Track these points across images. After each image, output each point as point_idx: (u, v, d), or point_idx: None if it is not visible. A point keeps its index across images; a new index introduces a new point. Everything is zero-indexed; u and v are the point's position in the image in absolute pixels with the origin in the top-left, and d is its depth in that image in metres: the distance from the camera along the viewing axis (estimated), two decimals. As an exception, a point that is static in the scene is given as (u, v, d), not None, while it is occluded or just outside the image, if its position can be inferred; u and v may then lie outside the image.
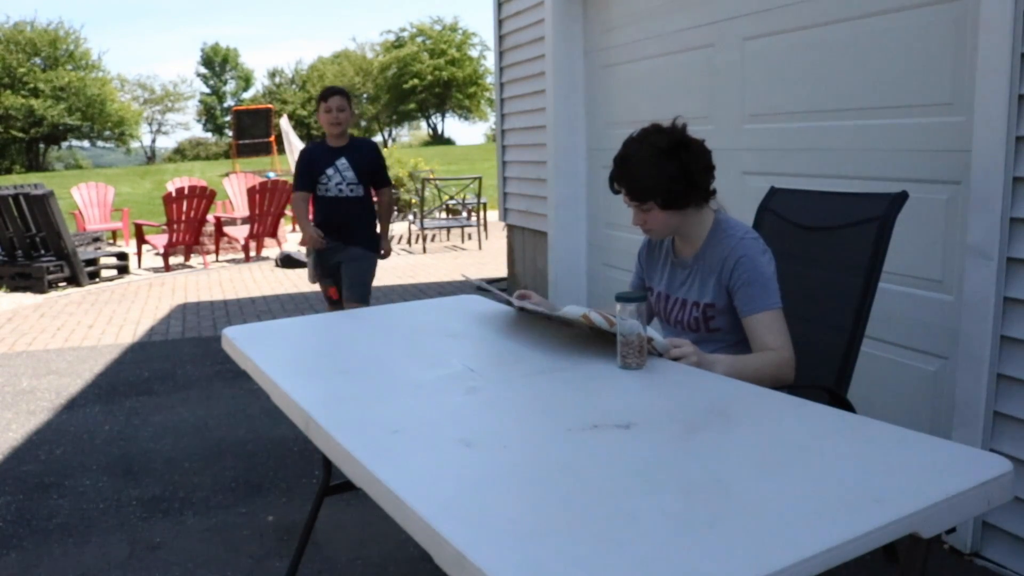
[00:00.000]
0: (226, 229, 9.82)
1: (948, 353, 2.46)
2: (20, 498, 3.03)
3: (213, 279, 8.16)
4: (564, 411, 1.45)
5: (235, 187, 11.25)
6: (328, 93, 3.89)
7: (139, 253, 9.36)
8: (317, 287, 4.29)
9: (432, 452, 1.28)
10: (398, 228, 12.35)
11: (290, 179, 5.93)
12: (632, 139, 1.93)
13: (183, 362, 4.90)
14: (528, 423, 1.43)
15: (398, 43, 53.67)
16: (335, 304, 4.08)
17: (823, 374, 1.97)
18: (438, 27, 53.35)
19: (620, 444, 1.27)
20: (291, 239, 10.69)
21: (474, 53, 53.66)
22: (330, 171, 3.87)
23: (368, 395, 1.59)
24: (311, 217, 4.07)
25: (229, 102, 56.90)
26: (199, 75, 59.39)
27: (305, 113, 53.67)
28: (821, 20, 2.91)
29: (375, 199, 4.13)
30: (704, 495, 1.08)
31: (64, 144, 47.14)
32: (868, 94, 2.73)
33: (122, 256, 8.58)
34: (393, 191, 4.17)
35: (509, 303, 2.17)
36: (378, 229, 4.15)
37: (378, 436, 1.34)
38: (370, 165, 3.98)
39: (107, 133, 47.22)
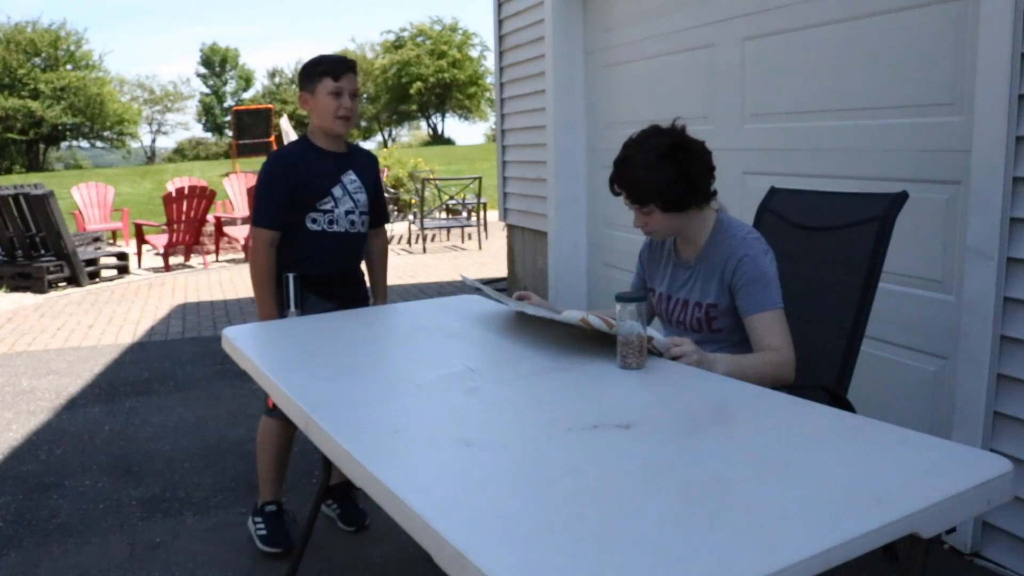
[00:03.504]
0: (226, 229, 9.82)
1: (948, 353, 2.46)
2: (20, 498, 3.03)
3: (213, 279, 8.15)
4: (564, 411, 1.45)
5: (235, 187, 11.25)
6: (339, 67, 2.43)
7: (139, 253, 9.36)
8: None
9: (432, 452, 1.28)
10: (398, 228, 12.36)
11: None
12: (632, 141, 1.93)
13: (183, 362, 4.90)
14: (528, 423, 1.43)
15: (398, 43, 53.67)
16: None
17: (823, 374, 1.97)
18: (438, 27, 53.37)
19: (620, 444, 1.27)
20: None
21: (474, 53, 53.68)
22: (337, 191, 2.48)
23: (368, 395, 1.59)
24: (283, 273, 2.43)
25: (229, 102, 56.93)
26: (199, 75, 59.42)
27: (305, 113, 53.63)
28: (821, 20, 2.91)
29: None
30: (704, 495, 1.08)
31: (64, 144, 47.19)
32: (868, 94, 2.73)
33: (122, 256, 8.58)
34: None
35: (500, 301, 2.17)
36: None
37: (378, 436, 1.34)
38: (376, 188, 2.64)
39: (107, 133, 47.26)
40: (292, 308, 2.39)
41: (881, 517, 1.00)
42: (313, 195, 2.44)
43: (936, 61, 2.47)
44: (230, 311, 6.47)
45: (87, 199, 10.90)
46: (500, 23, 5.66)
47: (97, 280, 8.14)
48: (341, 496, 2.75)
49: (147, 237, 9.24)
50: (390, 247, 10.24)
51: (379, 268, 2.75)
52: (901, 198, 1.96)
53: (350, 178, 2.52)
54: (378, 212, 2.67)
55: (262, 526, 2.58)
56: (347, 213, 2.49)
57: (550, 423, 1.40)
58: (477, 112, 55.08)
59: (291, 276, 2.42)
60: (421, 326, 2.16)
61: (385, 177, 13.49)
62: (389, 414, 1.45)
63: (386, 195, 13.59)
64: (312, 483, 3.08)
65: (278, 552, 2.51)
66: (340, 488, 2.62)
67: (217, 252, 9.76)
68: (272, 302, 2.45)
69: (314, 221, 2.46)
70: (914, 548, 1.11)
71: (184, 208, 8.73)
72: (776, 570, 0.89)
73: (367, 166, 2.61)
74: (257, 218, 2.44)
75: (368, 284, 2.73)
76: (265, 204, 2.44)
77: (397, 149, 19.15)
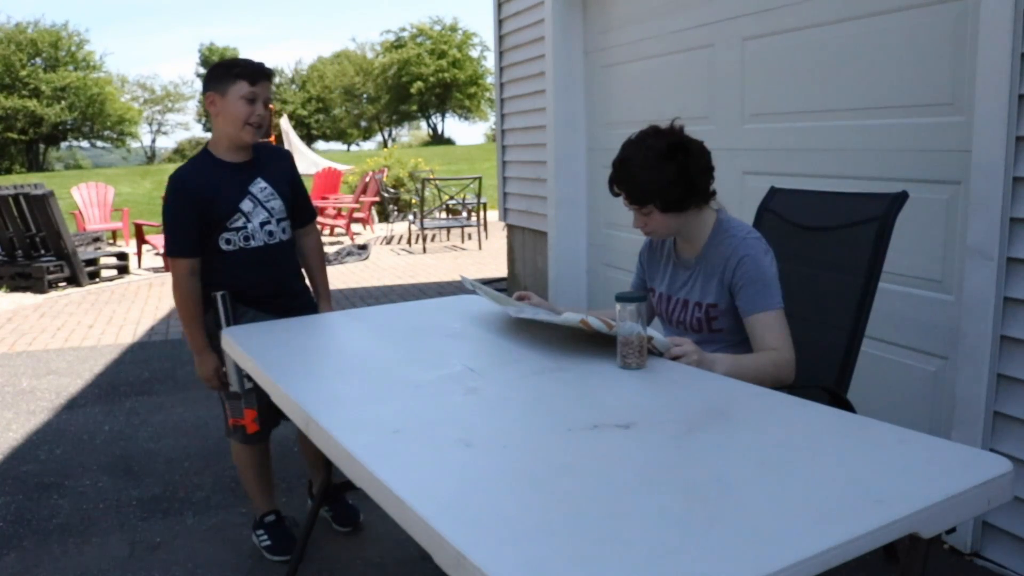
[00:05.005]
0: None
1: (948, 353, 2.46)
2: (20, 498, 3.03)
3: (213, 279, 8.15)
4: (564, 411, 1.45)
5: (235, 187, 11.23)
6: (257, 72, 2.26)
7: (139, 253, 9.36)
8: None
9: (432, 452, 1.28)
10: (398, 228, 12.36)
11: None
12: (630, 142, 1.93)
13: (183, 362, 4.89)
14: (528, 423, 1.43)
15: (398, 43, 53.70)
16: (254, 438, 2.48)
17: (823, 374, 1.97)
18: (438, 27, 53.39)
19: (620, 444, 1.27)
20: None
21: (474, 53, 53.71)
22: (246, 205, 2.32)
23: (368, 395, 1.59)
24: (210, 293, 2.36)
25: (229, 102, 56.77)
26: (199, 75, 59.43)
27: (305, 113, 53.74)
28: (821, 20, 2.91)
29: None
30: (704, 495, 1.08)
31: (64, 144, 47.21)
32: (868, 94, 2.73)
33: (122, 256, 8.58)
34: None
35: (499, 302, 2.15)
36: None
37: (378, 436, 1.34)
38: (292, 186, 2.46)
39: (107, 133, 47.29)
40: (225, 328, 2.29)
41: (881, 517, 1.00)
42: (220, 215, 2.28)
43: (936, 61, 2.47)
44: (230, 311, 6.46)
45: (87, 199, 10.89)
46: (500, 23, 5.66)
47: (97, 280, 8.14)
48: (332, 497, 2.74)
49: (147, 237, 9.24)
50: (390, 247, 10.24)
51: (317, 269, 2.59)
52: (901, 198, 1.96)
53: (259, 186, 2.34)
54: (303, 210, 2.52)
55: (265, 537, 2.56)
56: (263, 225, 2.34)
57: (550, 423, 1.40)
58: (477, 112, 55.11)
59: (219, 295, 2.32)
60: (421, 326, 2.16)
61: (385, 177, 13.48)
62: (389, 414, 1.45)
63: (386, 195, 13.54)
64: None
65: (286, 560, 2.48)
66: (330, 489, 2.58)
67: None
68: (202, 334, 2.34)
69: (228, 242, 2.31)
70: (914, 548, 1.11)
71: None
72: (776, 570, 0.89)
73: (278, 168, 2.42)
74: (172, 248, 2.29)
75: (310, 288, 2.59)
76: (177, 232, 2.28)
77: (397, 149, 19.15)
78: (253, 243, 2.33)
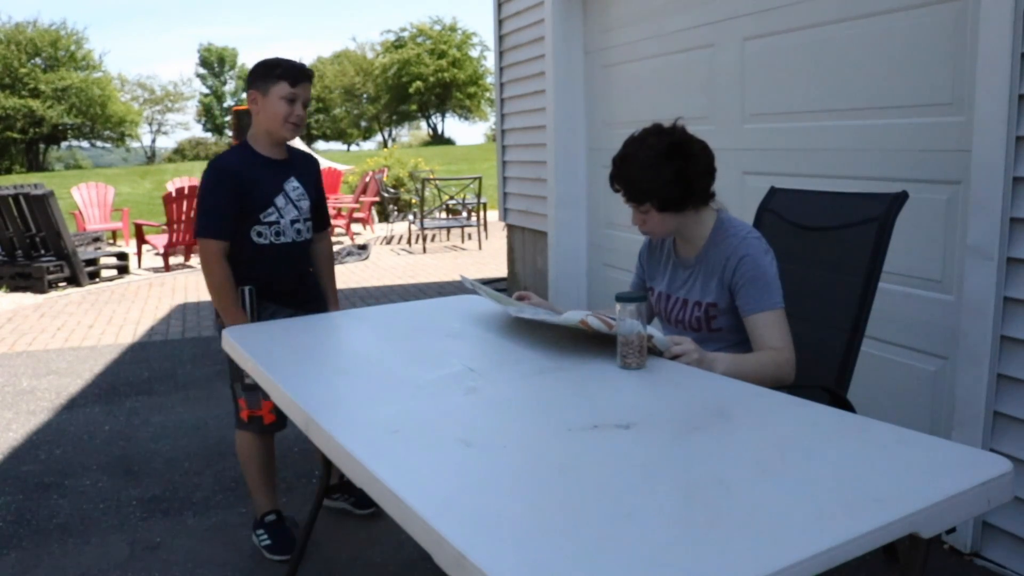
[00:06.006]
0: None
1: (948, 353, 2.46)
2: (20, 498, 3.03)
3: (213, 279, 8.14)
4: (564, 411, 1.45)
5: (235, 187, 11.22)
6: (299, 74, 2.36)
7: (139, 253, 9.36)
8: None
9: (432, 452, 1.28)
10: (398, 228, 12.36)
11: None
12: (632, 139, 1.93)
13: (183, 362, 4.90)
14: (528, 423, 1.43)
15: (398, 43, 53.72)
16: (271, 428, 2.55)
17: (823, 374, 1.97)
18: (438, 27, 53.40)
19: (620, 444, 1.27)
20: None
21: (474, 53, 53.73)
22: (280, 200, 2.42)
23: (368, 395, 1.59)
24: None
25: (229, 102, 57.03)
26: (198, 75, 59.50)
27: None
28: (821, 20, 2.91)
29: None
30: (704, 495, 1.07)
31: (64, 144, 47.22)
32: (868, 94, 2.73)
33: (122, 256, 8.58)
34: None
35: (500, 302, 2.15)
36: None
37: (378, 436, 1.34)
38: (318, 192, 2.57)
39: (107, 133, 47.30)
40: (249, 321, 2.38)
41: (881, 517, 1.00)
42: (256, 206, 2.37)
43: (936, 61, 2.47)
44: (230, 311, 6.46)
45: (87, 199, 10.89)
46: (500, 23, 5.66)
47: (97, 280, 8.14)
48: (349, 486, 2.75)
49: (147, 237, 9.24)
50: (390, 247, 10.24)
51: (327, 272, 2.70)
52: (901, 198, 1.96)
53: (292, 185, 2.46)
54: (320, 216, 2.61)
55: (265, 537, 2.57)
56: (293, 223, 2.45)
57: (550, 423, 1.40)
58: (477, 112, 55.12)
59: (247, 289, 2.40)
60: (421, 326, 2.16)
61: (385, 177, 13.48)
62: (389, 414, 1.45)
63: (386, 195, 13.55)
64: (312, 483, 3.08)
65: (286, 560, 2.48)
66: (346, 482, 2.64)
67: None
68: (238, 307, 2.38)
69: (260, 235, 2.40)
70: (914, 548, 1.11)
71: (184, 208, 8.72)
72: (776, 570, 0.89)
73: (308, 171, 2.54)
74: (204, 229, 2.34)
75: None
76: (211, 213, 2.34)
77: (397, 149, 19.15)
78: (283, 239, 2.44)
